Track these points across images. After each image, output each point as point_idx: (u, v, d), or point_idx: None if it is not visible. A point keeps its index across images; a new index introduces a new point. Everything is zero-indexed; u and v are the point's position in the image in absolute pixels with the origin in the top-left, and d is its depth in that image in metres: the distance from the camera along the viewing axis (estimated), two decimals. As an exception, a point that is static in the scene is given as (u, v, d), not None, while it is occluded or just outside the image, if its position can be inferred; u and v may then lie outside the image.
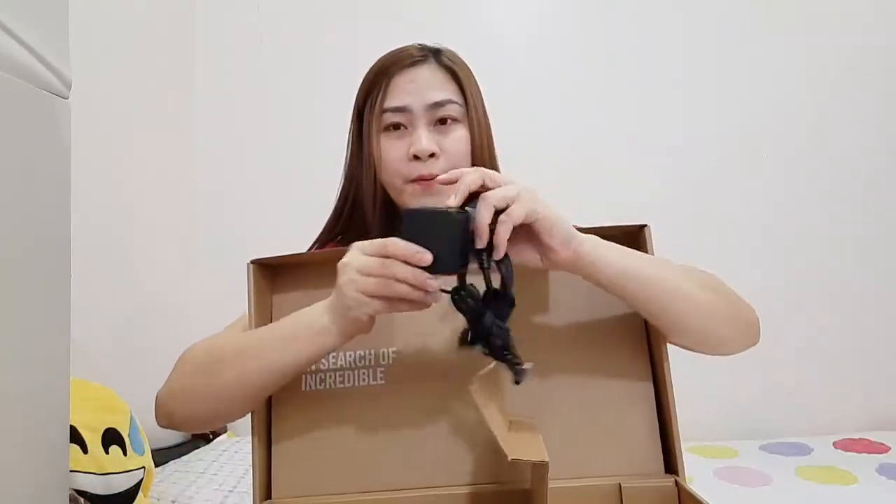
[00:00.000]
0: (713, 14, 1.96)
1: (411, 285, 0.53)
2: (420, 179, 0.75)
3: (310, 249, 0.86)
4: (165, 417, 0.67)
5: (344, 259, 0.56)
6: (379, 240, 0.54)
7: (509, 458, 0.48)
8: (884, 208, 1.90)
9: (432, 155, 0.75)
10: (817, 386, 1.88)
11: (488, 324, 0.54)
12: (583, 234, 0.56)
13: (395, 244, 0.53)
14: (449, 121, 0.77)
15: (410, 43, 0.81)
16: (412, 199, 0.77)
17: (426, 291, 0.53)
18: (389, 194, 0.80)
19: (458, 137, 0.77)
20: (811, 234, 1.91)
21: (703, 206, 1.91)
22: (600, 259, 0.56)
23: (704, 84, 1.95)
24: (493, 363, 0.55)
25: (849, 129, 1.92)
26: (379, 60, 0.80)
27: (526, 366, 0.54)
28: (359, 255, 0.55)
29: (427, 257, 0.52)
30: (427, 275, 0.53)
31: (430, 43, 0.82)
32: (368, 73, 0.81)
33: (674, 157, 1.93)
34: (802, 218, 1.91)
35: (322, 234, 0.88)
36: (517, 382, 0.54)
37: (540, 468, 0.49)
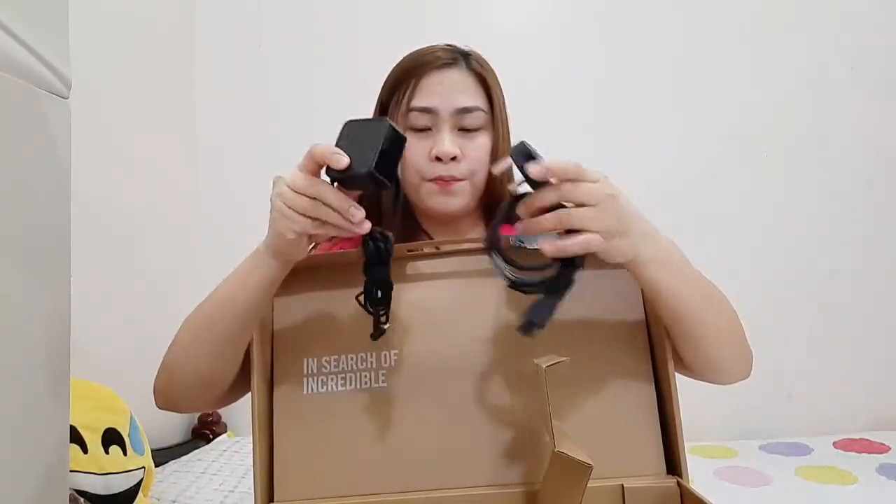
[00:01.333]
0: (713, 14, 1.96)
1: (336, 211, 0.54)
2: (439, 180, 0.76)
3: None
4: (161, 396, 0.69)
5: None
6: (307, 151, 0.56)
7: (555, 450, 0.49)
8: (884, 208, 1.90)
9: (454, 158, 0.75)
10: (817, 386, 1.88)
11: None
12: (644, 252, 0.56)
13: (318, 146, 0.55)
14: (474, 127, 0.77)
15: (436, 43, 0.81)
16: (429, 197, 0.77)
17: (350, 221, 0.54)
18: (405, 190, 0.80)
19: (481, 145, 0.78)
20: (811, 234, 1.91)
21: (703, 206, 1.90)
22: (650, 278, 0.58)
23: (704, 84, 1.95)
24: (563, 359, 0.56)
25: (849, 129, 1.92)
26: (408, 58, 0.80)
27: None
28: (292, 173, 0.57)
29: (343, 160, 0.53)
30: (352, 203, 0.54)
31: (459, 44, 0.81)
32: (396, 69, 0.80)
33: (674, 157, 1.93)
34: (802, 218, 1.91)
35: None
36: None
37: (583, 469, 0.50)
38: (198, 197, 1.96)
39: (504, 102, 0.82)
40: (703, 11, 1.96)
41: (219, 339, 0.64)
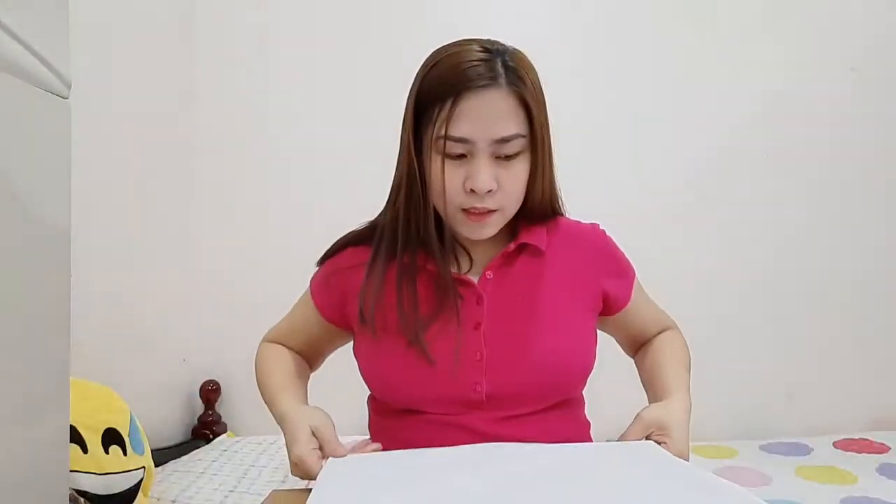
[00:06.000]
0: (713, 14, 1.96)
1: None
2: (472, 211, 0.74)
3: (337, 246, 0.87)
4: None
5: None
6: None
7: None
8: (884, 208, 1.90)
9: (489, 190, 0.73)
10: (817, 386, 1.88)
11: None
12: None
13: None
14: (512, 154, 0.74)
15: (474, 38, 0.75)
16: (459, 225, 0.77)
17: None
18: (439, 212, 0.79)
19: (517, 172, 0.75)
20: (811, 234, 1.91)
21: (703, 206, 1.90)
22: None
23: (704, 84, 1.95)
24: None
25: (849, 129, 1.92)
26: (443, 63, 0.74)
27: None
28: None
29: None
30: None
31: (497, 45, 0.75)
32: (432, 75, 0.75)
33: (674, 157, 1.93)
34: (802, 218, 1.91)
35: (353, 235, 0.87)
36: None
37: None
38: (198, 196, 1.95)
39: (546, 118, 0.78)
40: (703, 12, 1.96)
41: None
